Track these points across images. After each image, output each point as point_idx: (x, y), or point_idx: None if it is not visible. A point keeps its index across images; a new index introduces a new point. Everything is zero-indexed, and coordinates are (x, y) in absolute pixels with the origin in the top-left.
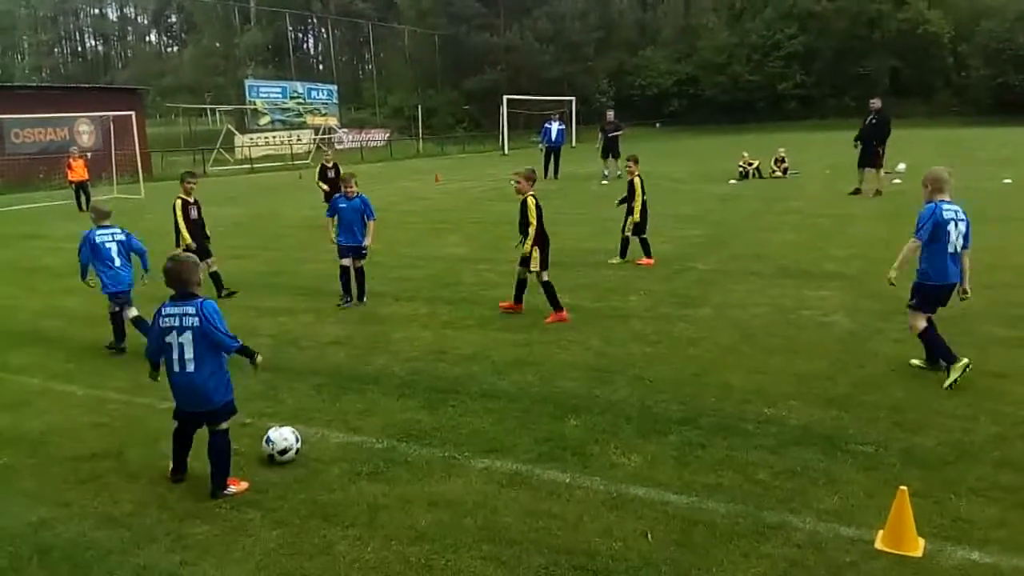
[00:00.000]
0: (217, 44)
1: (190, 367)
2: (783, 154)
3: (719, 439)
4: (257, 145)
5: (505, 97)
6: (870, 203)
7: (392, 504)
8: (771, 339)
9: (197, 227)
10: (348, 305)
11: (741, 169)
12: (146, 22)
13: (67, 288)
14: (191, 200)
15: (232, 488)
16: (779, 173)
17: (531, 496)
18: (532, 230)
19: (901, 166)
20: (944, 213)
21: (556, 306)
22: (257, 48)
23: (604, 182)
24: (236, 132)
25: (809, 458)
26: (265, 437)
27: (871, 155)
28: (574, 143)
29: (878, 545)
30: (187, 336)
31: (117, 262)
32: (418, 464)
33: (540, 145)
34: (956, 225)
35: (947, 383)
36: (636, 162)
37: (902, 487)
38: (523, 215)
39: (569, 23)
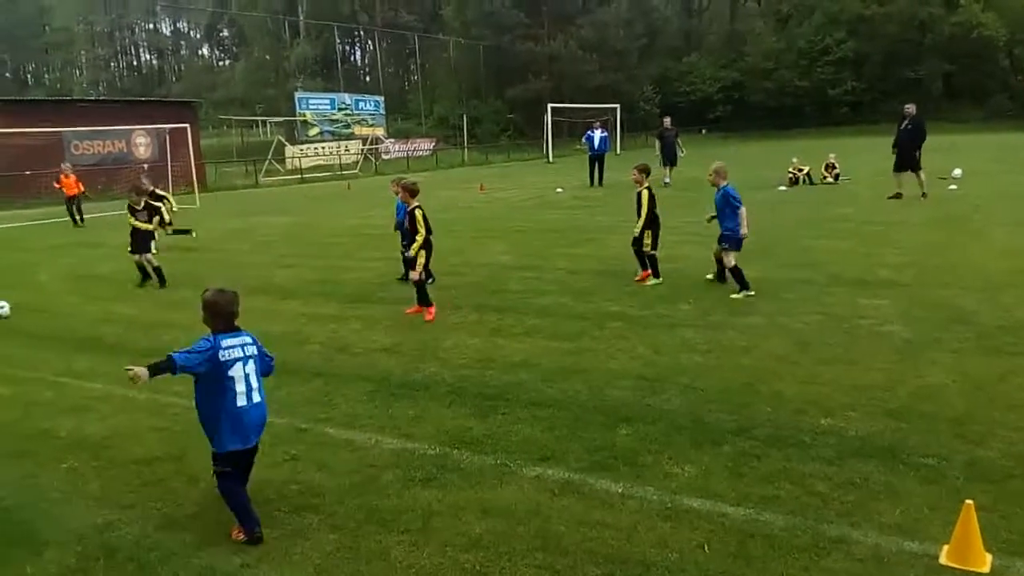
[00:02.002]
0: (267, 57)
1: (257, 397)
2: (833, 160)
3: (775, 450)
4: (307, 156)
5: (549, 106)
6: (922, 209)
7: (446, 511)
8: (825, 348)
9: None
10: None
11: (791, 175)
12: (198, 36)
13: (123, 295)
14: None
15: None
16: (830, 179)
17: (584, 505)
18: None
19: (957, 171)
20: None
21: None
22: (306, 61)
23: (669, 185)
24: (287, 143)
25: (869, 470)
26: None
27: (909, 160)
28: (618, 150)
29: (943, 560)
30: (251, 366)
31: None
32: (470, 471)
33: (585, 151)
34: None
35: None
36: (643, 172)
37: (968, 501)
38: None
39: (613, 31)
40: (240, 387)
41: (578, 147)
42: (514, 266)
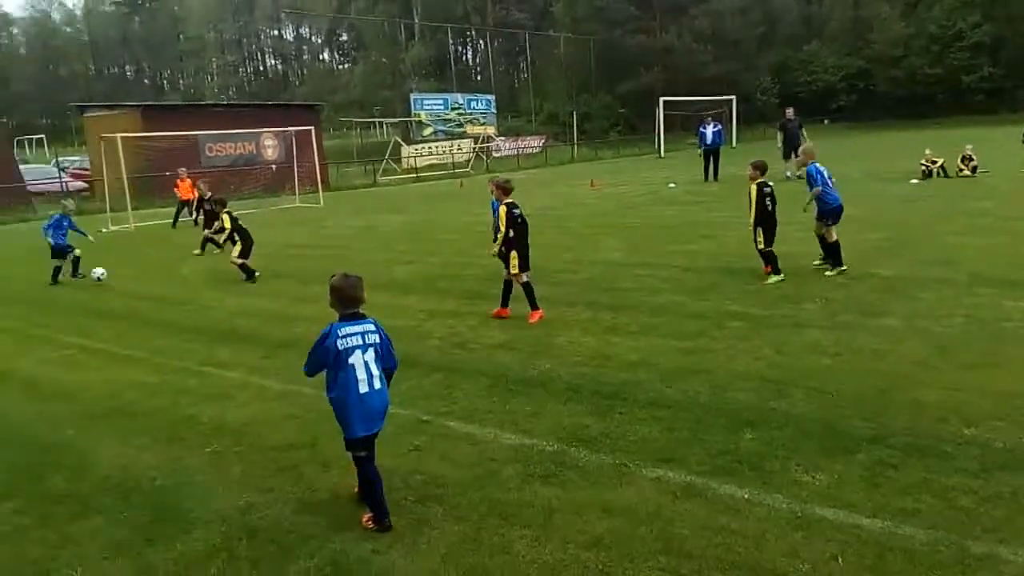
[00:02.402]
0: (384, 60)
1: (377, 384)
2: (970, 151)
3: (913, 460)
4: (421, 155)
5: (661, 99)
6: None
7: (566, 508)
8: (968, 353)
9: None
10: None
11: (924, 168)
12: (319, 41)
13: (258, 289)
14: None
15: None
16: (967, 172)
17: (708, 510)
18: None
19: None
20: None
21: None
22: (421, 62)
23: (791, 178)
24: (402, 143)
25: (1019, 484)
26: None
27: None
28: (734, 143)
29: None
30: (371, 354)
31: None
32: (589, 469)
33: (698, 149)
34: None
35: None
36: (756, 168)
37: None
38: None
39: (729, 20)
40: (361, 374)
41: (691, 142)
42: (627, 263)
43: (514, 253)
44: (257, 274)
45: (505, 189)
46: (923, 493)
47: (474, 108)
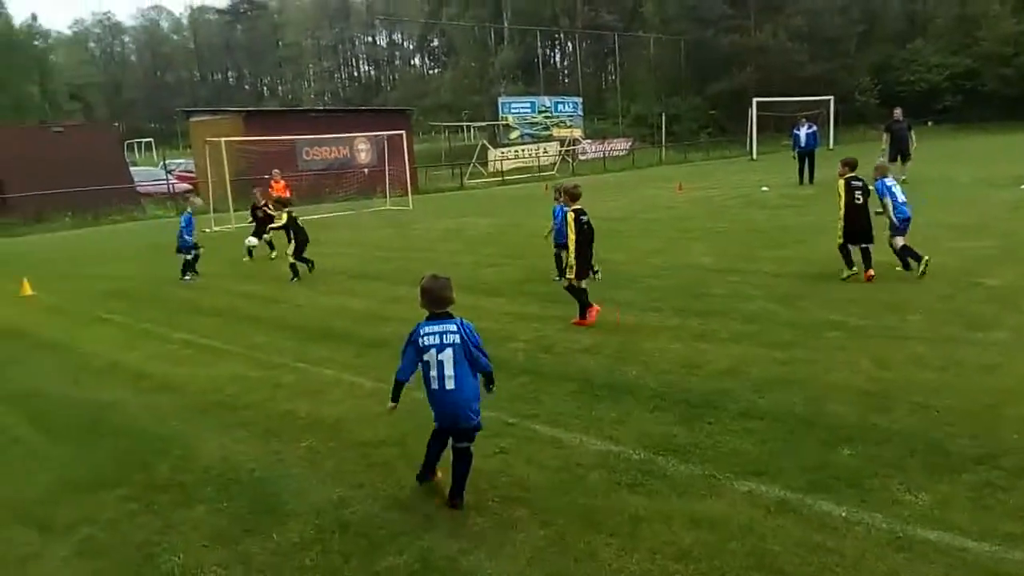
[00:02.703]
0: (473, 64)
1: (450, 384)
2: None
3: None
4: (507, 158)
5: (755, 100)
6: None
7: (653, 517)
8: None
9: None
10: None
11: None
12: (411, 47)
13: (351, 290)
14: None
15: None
16: None
17: (802, 527)
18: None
19: None
20: None
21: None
22: (509, 66)
23: (897, 180)
24: (489, 147)
25: None
26: None
27: None
28: (831, 146)
29: None
30: (447, 353)
31: None
32: (678, 479)
33: (792, 152)
34: None
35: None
36: (845, 164)
37: None
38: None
39: (827, 18)
40: (433, 372)
41: (785, 143)
42: (717, 268)
43: (573, 259)
44: (310, 269)
45: (573, 195)
46: None
47: (561, 111)
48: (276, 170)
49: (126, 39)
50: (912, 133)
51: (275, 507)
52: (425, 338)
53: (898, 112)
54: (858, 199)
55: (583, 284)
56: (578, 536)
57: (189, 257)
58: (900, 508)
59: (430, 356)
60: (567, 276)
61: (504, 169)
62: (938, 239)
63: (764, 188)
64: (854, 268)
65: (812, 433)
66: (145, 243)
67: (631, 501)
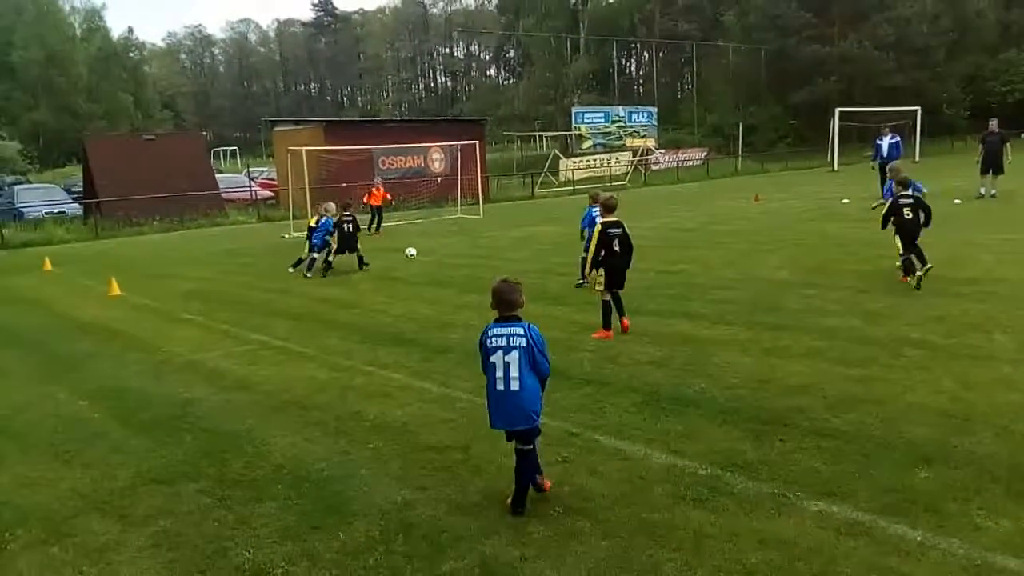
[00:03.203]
0: (548, 74)
1: (514, 385)
2: None
3: None
4: (579, 168)
5: (837, 110)
6: None
7: (718, 534)
8: None
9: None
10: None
11: None
12: (487, 58)
13: (420, 296)
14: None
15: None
16: None
17: (874, 550)
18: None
19: None
20: None
21: None
22: (584, 76)
23: (984, 196)
24: (561, 156)
25: None
26: None
27: None
28: (917, 158)
29: None
30: (513, 356)
31: None
32: (744, 497)
33: (872, 163)
34: None
35: None
36: (902, 184)
37: None
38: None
39: (915, 26)
40: (499, 372)
41: (867, 155)
42: (792, 282)
43: (600, 271)
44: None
45: (607, 206)
46: None
47: (635, 120)
48: (378, 177)
49: (215, 51)
50: (1008, 146)
51: (342, 506)
52: (492, 339)
53: (993, 123)
54: (908, 214)
55: (608, 296)
56: (640, 550)
57: (315, 255)
58: (979, 534)
59: (496, 358)
60: (595, 288)
61: (575, 179)
62: None
63: (844, 200)
64: (918, 272)
65: (888, 454)
66: (226, 248)
67: (696, 517)
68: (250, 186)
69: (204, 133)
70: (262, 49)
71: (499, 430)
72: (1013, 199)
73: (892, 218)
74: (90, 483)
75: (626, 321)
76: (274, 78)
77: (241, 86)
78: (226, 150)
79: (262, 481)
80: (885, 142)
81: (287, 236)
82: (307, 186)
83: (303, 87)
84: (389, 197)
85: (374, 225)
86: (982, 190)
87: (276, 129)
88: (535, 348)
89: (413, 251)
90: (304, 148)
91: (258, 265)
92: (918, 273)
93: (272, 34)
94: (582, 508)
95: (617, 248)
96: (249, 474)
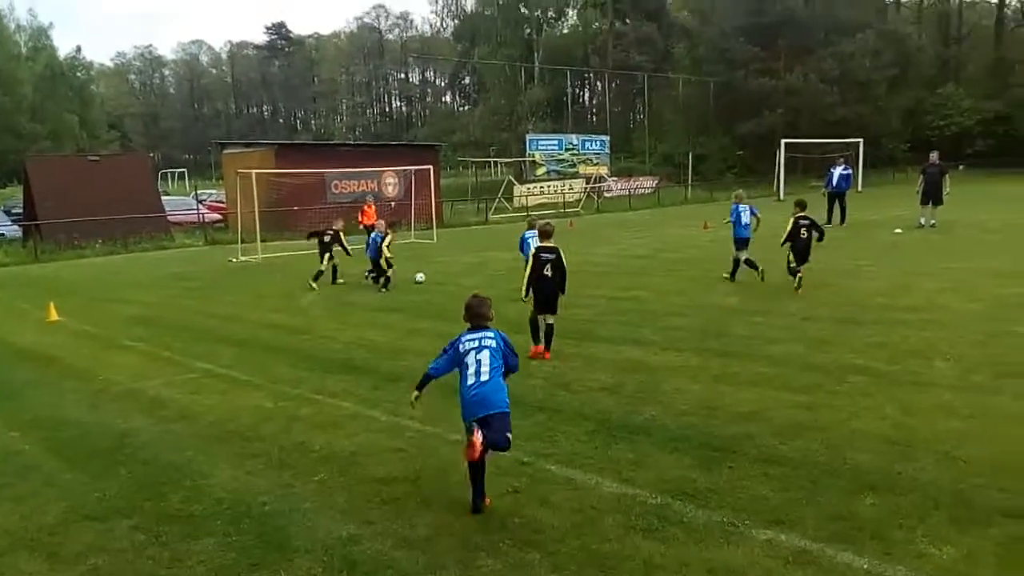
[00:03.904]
0: (503, 102)
1: (484, 376)
2: None
3: None
4: (533, 194)
5: (783, 141)
6: None
7: (668, 564)
8: None
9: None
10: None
11: None
12: (443, 84)
13: (372, 322)
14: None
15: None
16: None
17: None
18: (784, 236)
19: None
20: None
21: None
22: (538, 104)
23: (924, 226)
24: (516, 182)
25: None
26: None
27: None
28: (860, 188)
29: None
30: (484, 353)
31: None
32: (694, 526)
33: (822, 190)
34: None
35: None
36: (797, 205)
37: None
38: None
39: (858, 61)
40: (471, 370)
41: (814, 185)
42: (741, 309)
43: (532, 294)
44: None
45: (543, 232)
46: None
47: (588, 148)
48: (370, 196)
49: (166, 72)
50: (946, 178)
51: (283, 542)
52: (466, 343)
53: (934, 156)
54: (804, 235)
55: (538, 319)
56: None
57: (369, 269)
58: (924, 561)
59: (469, 358)
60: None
61: (529, 205)
62: (974, 284)
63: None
64: (800, 277)
65: (834, 481)
66: (172, 271)
67: (646, 547)
68: (198, 209)
69: (152, 155)
70: (214, 71)
71: (474, 420)
72: (952, 229)
73: (794, 234)
74: (19, 519)
75: (542, 351)
76: (226, 100)
77: (192, 107)
78: (175, 172)
79: (200, 516)
80: (837, 172)
81: (235, 260)
82: (256, 209)
83: (255, 110)
84: (368, 221)
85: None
86: (922, 220)
87: (226, 152)
88: (504, 347)
89: (422, 276)
90: (254, 171)
91: (205, 290)
92: (799, 275)
93: (225, 56)
94: (532, 540)
95: (548, 273)
96: (187, 509)
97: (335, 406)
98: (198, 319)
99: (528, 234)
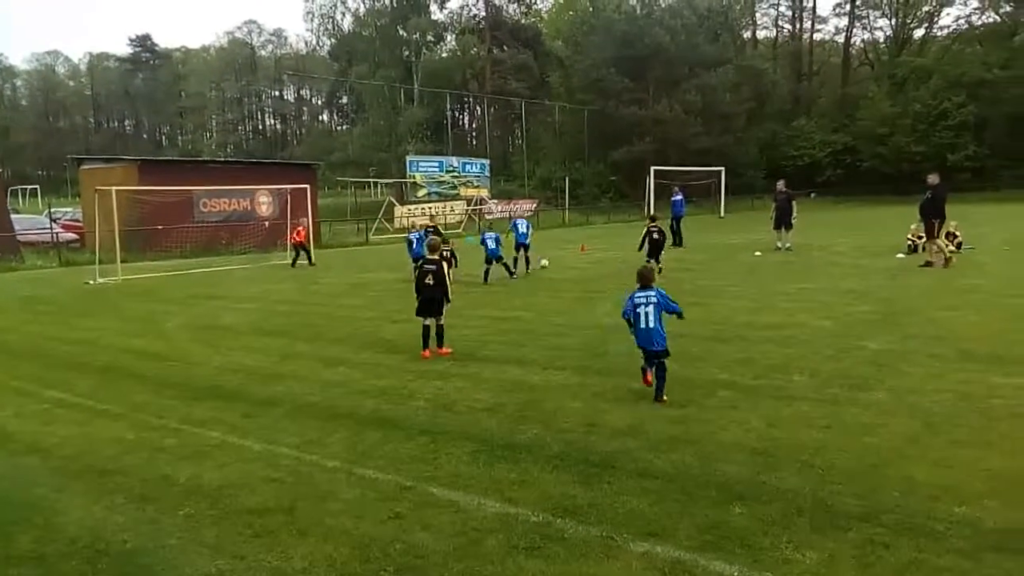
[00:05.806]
0: (382, 122)
1: (651, 323)
2: (955, 228)
3: (905, 539)
4: (414, 215)
5: (652, 168)
6: None
7: None
8: (958, 430)
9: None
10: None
11: (910, 242)
12: (319, 103)
13: (246, 346)
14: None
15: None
16: (951, 248)
17: None
18: (639, 240)
19: None
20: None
21: None
22: (418, 125)
23: (781, 248)
24: (396, 203)
25: (1011, 567)
26: None
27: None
28: (722, 213)
29: None
30: (650, 308)
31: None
32: (575, 542)
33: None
34: None
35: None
36: (650, 218)
37: None
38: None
39: (720, 94)
40: (642, 317)
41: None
42: (618, 328)
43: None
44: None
45: (430, 247)
46: (915, 574)
47: (468, 171)
48: (303, 218)
49: (18, 83)
50: (794, 204)
51: None
52: (638, 298)
53: (780, 184)
54: (657, 238)
55: (425, 322)
56: None
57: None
58: (789, 567)
59: (640, 309)
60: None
61: (410, 226)
62: (827, 303)
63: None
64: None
65: (706, 492)
66: (23, 295)
67: (528, 566)
68: (52, 228)
69: (1, 170)
70: (71, 83)
71: (643, 348)
72: (808, 251)
73: (646, 239)
74: None
75: (431, 352)
76: (85, 114)
77: (47, 121)
78: (26, 189)
79: (52, 557)
80: (673, 199)
81: (92, 281)
82: (116, 228)
83: (117, 124)
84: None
85: (300, 260)
86: (779, 243)
87: (84, 167)
88: (664, 302)
89: (546, 261)
90: (114, 188)
91: (59, 314)
92: (660, 267)
93: (83, 67)
94: (414, 566)
95: (430, 282)
96: (39, 549)
97: (202, 436)
98: (51, 345)
99: (412, 235)
